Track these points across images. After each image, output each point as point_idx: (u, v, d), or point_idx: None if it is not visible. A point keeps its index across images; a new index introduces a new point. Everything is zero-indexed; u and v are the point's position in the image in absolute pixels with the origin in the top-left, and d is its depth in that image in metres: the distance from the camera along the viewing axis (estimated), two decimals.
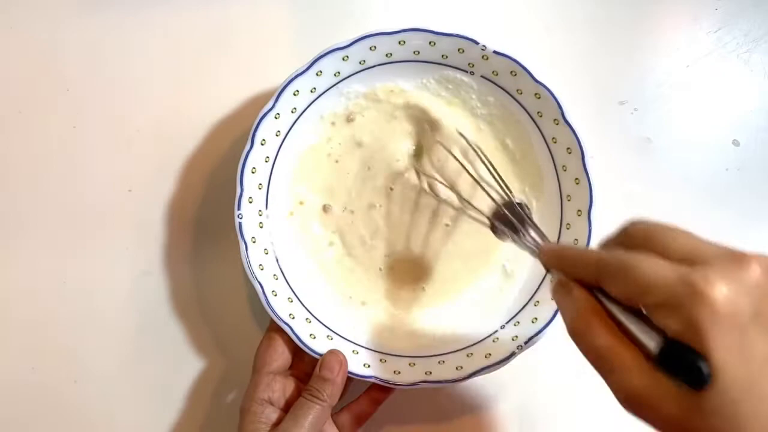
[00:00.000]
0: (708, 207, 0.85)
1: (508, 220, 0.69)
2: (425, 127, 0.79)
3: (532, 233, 0.67)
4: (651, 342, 0.46)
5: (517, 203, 0.71)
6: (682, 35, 0.86)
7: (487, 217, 0.73)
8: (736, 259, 0.44)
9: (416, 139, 0.80)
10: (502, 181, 0.73)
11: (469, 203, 0.75)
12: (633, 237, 0.51)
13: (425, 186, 0.78)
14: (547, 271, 0.59)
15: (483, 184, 0.73)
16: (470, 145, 0.75)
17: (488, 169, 0.73)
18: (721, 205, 0.85)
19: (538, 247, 0.62)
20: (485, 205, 0.74)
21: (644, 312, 0.48)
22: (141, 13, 0.83)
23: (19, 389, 0.80)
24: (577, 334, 0.51)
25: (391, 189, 0.79)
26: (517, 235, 0.68)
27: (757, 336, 0.43)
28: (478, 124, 0.79)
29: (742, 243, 0.81)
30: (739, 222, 0.85)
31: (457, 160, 0.75)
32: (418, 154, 0.79)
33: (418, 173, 0.78)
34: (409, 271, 0.80)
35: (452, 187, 0.77)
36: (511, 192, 0.73)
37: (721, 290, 0.42)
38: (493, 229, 0.73)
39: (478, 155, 0.74)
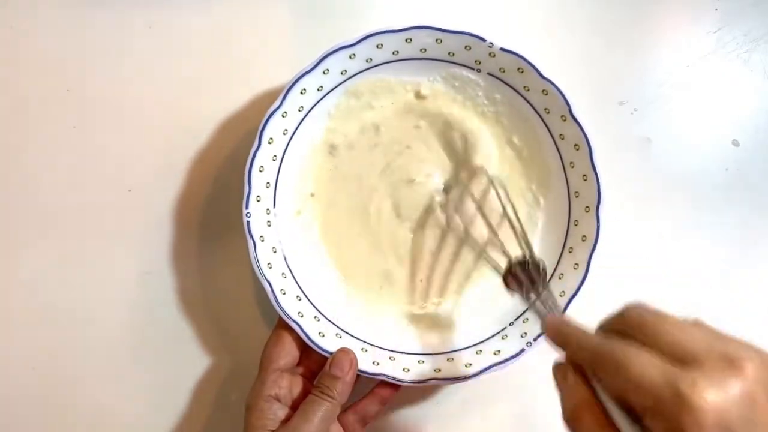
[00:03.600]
0: (708, 207, 0.85)
1: (523, 278, 0.70)
2: (457, 155, 0.80)
3: (543, 297, 0.67)
4: None
5: (536, 262, 0.71)
6: (682, 35, 0.87)
7: (506, 268, 0.72)
8: (728, 361, 0.43)
9: (448, 167, 0.81)
10: (525, 236, 0.73)
11: (485, 249, 0.76)
12: (629, 324, 0.50)
13: (443, 219, 0.79)
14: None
15: (517, 236, 0.73)
16: (499, 195, 0.76)
17: (511, 222, 0.74)
18: (721, 205, 0.85)
19: (543, 317, 0.62)
20: (499, 252, 0.75)
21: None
22: (142, 13, 0.82)
23: (19, 389, 0.80)
24: (569, 423, 0.51)
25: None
26: (527, 296, 0.69)
27: None
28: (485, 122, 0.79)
29: (743, 243, 0.82)
30: (739, 222, 0.85)
31: (505, 212, 0.76)
32: (447, 188, 0.80)
33: (441, 206, 0.79)
34: (417, 269, 0.79)
35: (469, 227, 0.78)
36: (532, 250, 0.73)
37: (708, 398, 0.41)
38: (505, 282, 0.72)
39: (506, 207, 0.76)
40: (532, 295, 0.68)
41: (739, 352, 0.44)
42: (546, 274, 0.70)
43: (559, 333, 0.56)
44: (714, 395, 0.41)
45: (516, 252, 0.72)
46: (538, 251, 0.78)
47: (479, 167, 0.78)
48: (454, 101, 0.79)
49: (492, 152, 0.79)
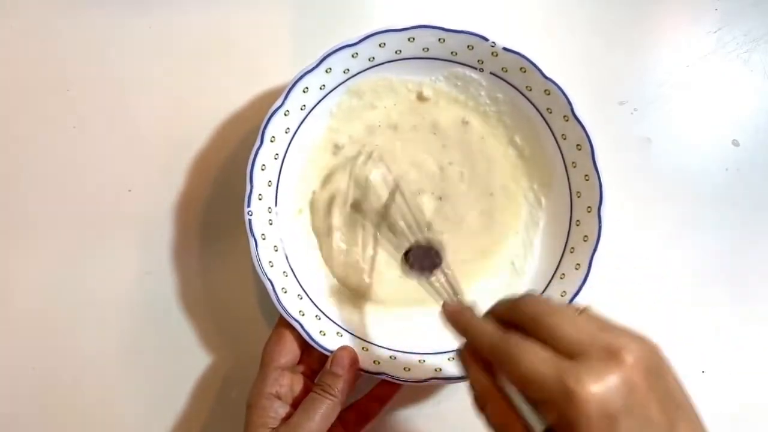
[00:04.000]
0: (708, 207, 0.85)
1: (422, 258, 0.71)
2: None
3: (443, 280, 0.69)
4: (535, 426, 0.49)
5: (435, 246, 0.72)
6: (682, 35, 0.87)
7: (405, 249, 0.73)
8: (609, 352, 0.47)
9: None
10: (417, 221, 0.76)
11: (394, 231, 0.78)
12: (523, 315, 0.53)
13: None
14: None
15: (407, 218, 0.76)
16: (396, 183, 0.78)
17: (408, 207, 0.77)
18: (721, 205, 0.85)
19: (443, 304, 0.63)
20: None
21: None
22: (142, 13, 0.83)
23: (19, 389, 0.80)
24: (477, 409, 0.55)
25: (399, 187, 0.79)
26: (427, 277, 0.70)
27: (626, 429, 0.45)
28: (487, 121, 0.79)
29: (742, 243, 0.82)
30: (739, 222, 0.86)
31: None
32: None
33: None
34: None
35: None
36: (429, 232, 0.75)
37: (590, 389, 0.45)
38: (406, 262, 0.72)
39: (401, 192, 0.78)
40: (431, 277, 0.69)
41: (621, 342, 0.48)
42: (442, 255, 0.71)
43: (457, 321, 0.60)
44: (596, 387, 0.45)
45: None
46: (539, 251, 0.79)
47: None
48: (455, 102, 0.79)
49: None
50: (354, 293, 0.79)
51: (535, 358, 0.48)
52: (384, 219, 0.78)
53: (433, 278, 0.69)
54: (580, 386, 0.45)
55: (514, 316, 0.54)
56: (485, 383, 0.54)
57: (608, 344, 0.48)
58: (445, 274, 0.69)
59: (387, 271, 0.79)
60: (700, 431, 0.50)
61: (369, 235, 0.79)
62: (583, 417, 0.45)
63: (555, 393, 0.46)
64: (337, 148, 0.79)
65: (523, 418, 0.50)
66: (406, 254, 0.72)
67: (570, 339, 0.49)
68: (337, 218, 0.78)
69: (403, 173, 0.79)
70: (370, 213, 0.78)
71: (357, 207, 0.79)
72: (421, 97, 0.79)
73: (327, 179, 0.79)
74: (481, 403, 0.54)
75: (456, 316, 0.60)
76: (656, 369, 0.48)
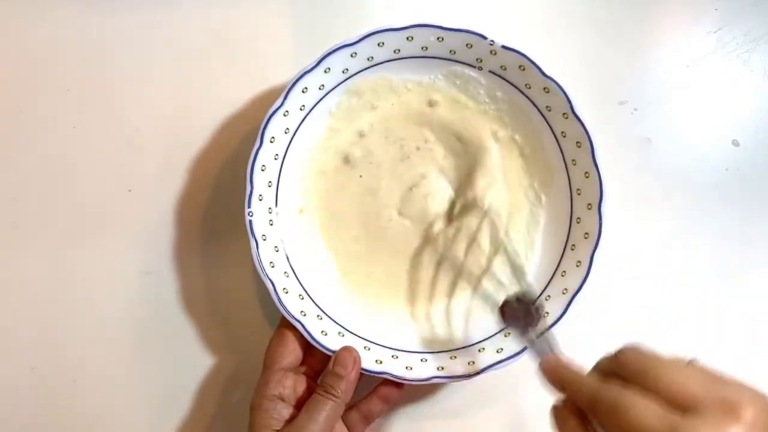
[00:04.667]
0: (708, 207, 0.85)
1: (520, 313, 0.70)
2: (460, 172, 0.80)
3: (540, 335, 0.68)
4: None
5: (532, 298, 0.72)
6: (682, 35, 0.87)
7: (503, 302, 0.72)
8: (727, 406, 0.44)
9: (452, 173, 0.81)
10: (521, 271, 0.76)
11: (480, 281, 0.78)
12: (626, 366, 0.51)
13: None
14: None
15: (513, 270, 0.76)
16: (493, 230, 0.78)
17: (508, 256, 0.77)
18: (721, 205, 0.85)
19: (540, 356, 0.63)
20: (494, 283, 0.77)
21: None
22: (142, 13, 0.83)
23: (19, 389, 0.79)
24: None
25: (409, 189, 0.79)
26: (524, 333, 0.69)
27: None
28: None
29: (742, 243, 0.82)
30: (739, 222, 0.85)
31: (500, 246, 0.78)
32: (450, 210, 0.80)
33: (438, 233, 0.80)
34: (419, 268, 0.79)
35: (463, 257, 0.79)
36: (529, 285, 0.75)
37: None
38: (502, 315, 0.72)
39: (502, 241, 0.78)
40: (530, 333, 0.68)
41: (737, 396, 0.45)
42: (541, 312, 0.71)
43: (556, 375, 0.57)
44: None
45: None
46: (540, 249, 0.79)
47: (477, 198, 0.78)
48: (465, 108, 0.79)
49: (496, 175, 0.79)
50: (357, 292, 0.79)
51: (644, 409, 0.46)
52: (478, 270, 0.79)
53: (530, 334, 0.68)
54: None
55: (618, 368, 0.52)
56: None
57: (724, 398, 0.45)
58: (544, 333, 0.68)
59: (392, 272, 0.80)
60: None
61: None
62: None
63: None
64: (347, 160, 0.79)
65: None
66: (502, 308, 0.72)
67: (682, 391, 0.46)
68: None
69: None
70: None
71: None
72: (432, 104, 0.79)
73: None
74: None
75: (557, 368, 0.58)
76: None
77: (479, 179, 0.78)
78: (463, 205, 0.78)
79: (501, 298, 0.73)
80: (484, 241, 0.78)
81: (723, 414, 0.44)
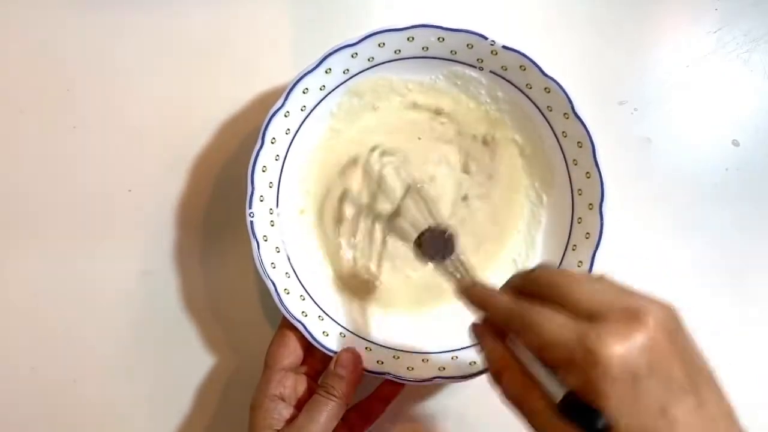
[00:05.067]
0: (708, 207, 0.86)
1: (434, 243, 0.71)
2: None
3: (456, 263, 0.69)
4: (555, 392, 0.48)
5: (448, 231, 0.72)
6: (682, 35, 0.87)
7: (417, 236, 0.73)
8: (631, 316, 0.47)
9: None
10: (428, 205, 0.76)
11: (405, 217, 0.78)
12: (539, 284, 0.54)
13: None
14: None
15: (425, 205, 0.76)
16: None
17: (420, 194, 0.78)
18: (721, 205, 0.86)
19: (457, 279, 0.65)
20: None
21: None
22: (142, 13, 0.82)
23: (19, 389, 0.79)
24: (493, 381, 0.55)
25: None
26: (440, 261, 0.70)
27: (650, 389, 0.45)
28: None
29: (742, 243, 0.82)
30: (738, 222, 0.86)
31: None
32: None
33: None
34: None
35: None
36: (438, 217, 0.75)
37: (614, 350, 0.45)
38: (418, 248, 0.72)
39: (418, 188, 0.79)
40: (446, 262, 0.69)
41: (642, 304, 0.48)
42: (454, 239, 0.71)
43: (473, 295, 0.60)
44: (619, 347, 0.45)
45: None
46: (541, 249, 0.79)
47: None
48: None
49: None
50: (357, 293, 0.79)
51: (554, 322, 0.49)
52: (397, 215, 0.78)
53: (446, 262, 0.69)
54: (603, 347, 0.45)
55: (531, 286, 0.54)
56: (501, 353, 0.55)
57: (628, 306, 0.48)
58: (459, 260, 0.69)
59: (393, 274, 0.79)
60: (720, 392, 0.49)
61: (379, 232, 0.79)
62: (607, 377, 0.45)
63: (577, 355, 0.46)
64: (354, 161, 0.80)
65: (542, 386, 0.50)
66: (419, 239, 0.72)
67: (589, 303, 0.49)
68: (348, 215, 0.79)
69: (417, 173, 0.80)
70: (382, 210, 0.79)
71: (370, 204, 0.79)
72: (439, 112, 0.79)
73: (339, 175, 0.79)
74: (497, 374, 0.54)
75: (471, 290, 0.60)
76: (676, 331, 0.49)
77: None
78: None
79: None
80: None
81: (627, 320, 0.47)
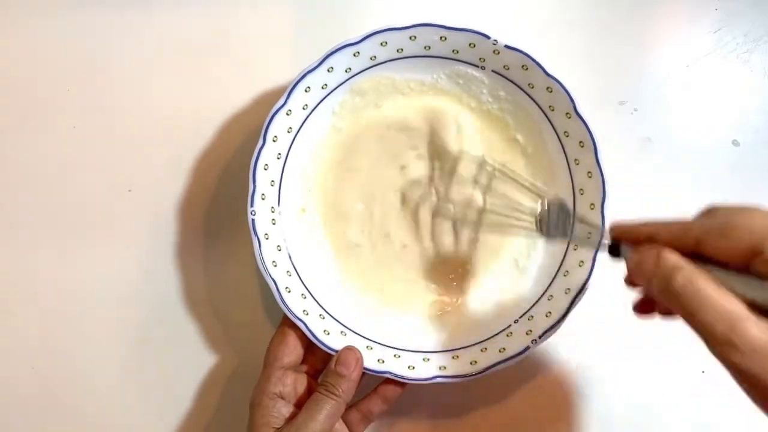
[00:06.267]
0: None
1: (557, 218, 0.69)
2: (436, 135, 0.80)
3: (584, 226, 0.67)
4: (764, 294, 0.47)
5: (560, 201, 0.70)
6: (682, 35, 0.87)
7: (537, 219, 0.71)
8: None
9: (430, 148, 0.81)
10: (535, 185, 0.76)
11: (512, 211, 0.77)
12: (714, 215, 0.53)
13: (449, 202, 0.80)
14: (616, 255, 0.59)
15: (525, 184, 0.76)
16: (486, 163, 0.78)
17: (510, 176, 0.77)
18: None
19: (601, 233, 0.63)
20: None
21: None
22: (143, 12, 0.83)
23: (19, 389, 0.79)
24: (682, 294, 0.49)
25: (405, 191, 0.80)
26: (568, 232, 0.68)
27: None
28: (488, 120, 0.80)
29: None
30: None
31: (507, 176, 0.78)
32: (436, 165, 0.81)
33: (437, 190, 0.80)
34: (423, 269, 0.80)
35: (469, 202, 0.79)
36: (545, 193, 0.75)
37: None
38: (541, 230, 0.70)
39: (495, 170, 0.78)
40: (574, 231, 0.68)
41: None
42: (569, 208, 0.72)
43: (635, 231, 0.57)
44: None
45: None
46: (542, 249, 0.79)
47: (460, 152, 0.79)
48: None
49: (473, 135, 0.80)
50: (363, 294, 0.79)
51: (762, 216, 0.49)
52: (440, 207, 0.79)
53: (573, 232, 0.68)
54: None
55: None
56: (682, 261, 0.51)
57: None
58: (584, 221, 0.69)
59: (402, 274, 0.80)
60: None
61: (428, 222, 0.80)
62: None
63: None
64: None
65: (742, 294, 0.48)
66: (539, 222, 0.70)
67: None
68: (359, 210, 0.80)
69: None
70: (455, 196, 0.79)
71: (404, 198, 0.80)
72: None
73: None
74: (687, 282, 0.49)
75: (629, 227, 0.58)
76: None
77: (442, 133, 0.79)
78: (444, 169, 0.80)
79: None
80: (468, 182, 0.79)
81: None
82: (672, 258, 0.51)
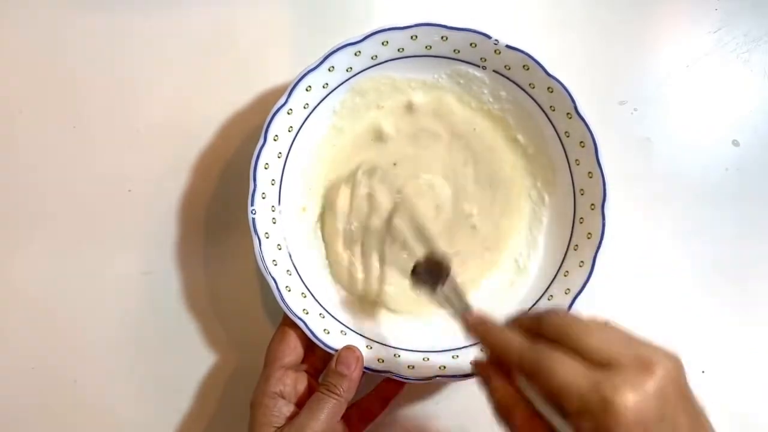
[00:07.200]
0: (708, 207, 0.85)
1: (430, 274, 0.70)
2: None
3: (450, 292, 0.69)
4: None
5: (441, 260, 0.71)
6: (682, 35, 0.87)
7: (413, 266, 0.72)
8: (643, 365, 0.48)
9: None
10: (424, 233, 0.75)
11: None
12: (550, 328, 0.54)
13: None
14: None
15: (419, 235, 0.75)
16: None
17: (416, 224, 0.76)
18: (721, 205, 0.85)
19: (463, 315, 0.64)
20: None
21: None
22: (142, 12, 0.83)
23: (19, 389, 0.79)
24: (501, 418, 0.56)
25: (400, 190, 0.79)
26: (435, 291, 0.69)
27: None
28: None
29: (743, 243, 0.82)
30: (738, 222, 0.86)
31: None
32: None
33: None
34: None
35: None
36: (435, 246, 0.73)
37: (628, 398, 0.46)
38: (415, 279, 0.72)
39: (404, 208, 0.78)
40: (441, 290, 0.69)
41: (651, 353, 0.50)
42: (448, 267, 0.71)
43: (481, 332, 0.60)
44: (633, 396, 0.47)
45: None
46: (543, 249, 0.79)
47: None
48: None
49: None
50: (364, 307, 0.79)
51: (569, 369, 0.50)
52: (388, 234, 0.78)
53: (443, 289, 0.69)
54: (618, 396, 0.46)
55: (541, 328, 0.55)
56: (511, 392, 0.55)
57: (639, 355, 0.49)
58: (453, 284, 0.69)
59: (396, 281, 0.79)
60: None
61: (374, 249, 0.79)
62: (621, 425, 0.46)
63: (592, 403, 0.47)
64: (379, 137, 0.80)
65: (553, 427, 0.51)
66: (414, 270, 0.72)
67: (601, 351, 0.50)
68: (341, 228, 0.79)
69: (412, 176, 0.80)
70: (375, 229, 0.79)
71: (364, 222, 0.79)
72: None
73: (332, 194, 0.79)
74: (505, 413, 0.55)
75: (480, 326, 0.60)
76: (682, 380, 0.50)
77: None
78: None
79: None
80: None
81: (639, 370, 0.48)
82: (496, 388, 0.57)
